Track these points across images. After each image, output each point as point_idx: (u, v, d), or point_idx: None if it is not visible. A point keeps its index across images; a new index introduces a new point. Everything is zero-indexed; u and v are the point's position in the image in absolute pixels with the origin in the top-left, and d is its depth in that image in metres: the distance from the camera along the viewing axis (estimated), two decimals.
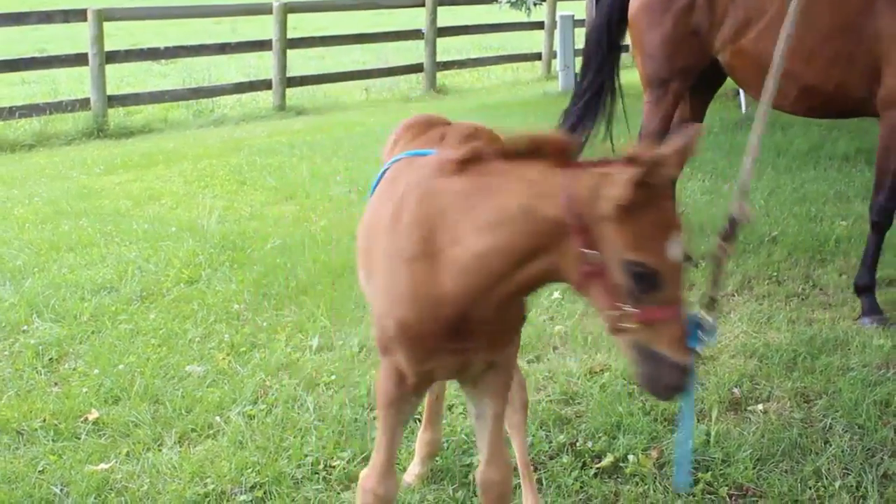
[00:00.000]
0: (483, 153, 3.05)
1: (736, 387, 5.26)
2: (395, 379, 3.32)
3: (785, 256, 7.25)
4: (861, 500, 4.28)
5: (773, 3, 6.29)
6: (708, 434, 4.70)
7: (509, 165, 2.97)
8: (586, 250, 2.79)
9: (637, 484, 4.39)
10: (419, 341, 3.16)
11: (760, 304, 6.44)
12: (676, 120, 7.08)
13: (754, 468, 4.48)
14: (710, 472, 4.43)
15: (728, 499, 4.31)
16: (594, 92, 7.26)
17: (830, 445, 4.68)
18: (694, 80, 6.93)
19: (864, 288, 6.25)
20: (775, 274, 6.93)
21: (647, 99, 6.97)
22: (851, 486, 4.38)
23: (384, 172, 3.75)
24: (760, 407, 5.07)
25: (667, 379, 2.86)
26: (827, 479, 4.43)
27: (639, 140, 6.92)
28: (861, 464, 4.53)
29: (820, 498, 4.31)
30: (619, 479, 4.44)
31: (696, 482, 4.37)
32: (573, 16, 17.59)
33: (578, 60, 16.23)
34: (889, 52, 6.03)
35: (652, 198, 2.75)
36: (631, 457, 4.54)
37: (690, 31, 6.70)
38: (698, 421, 4.88)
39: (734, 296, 6.61)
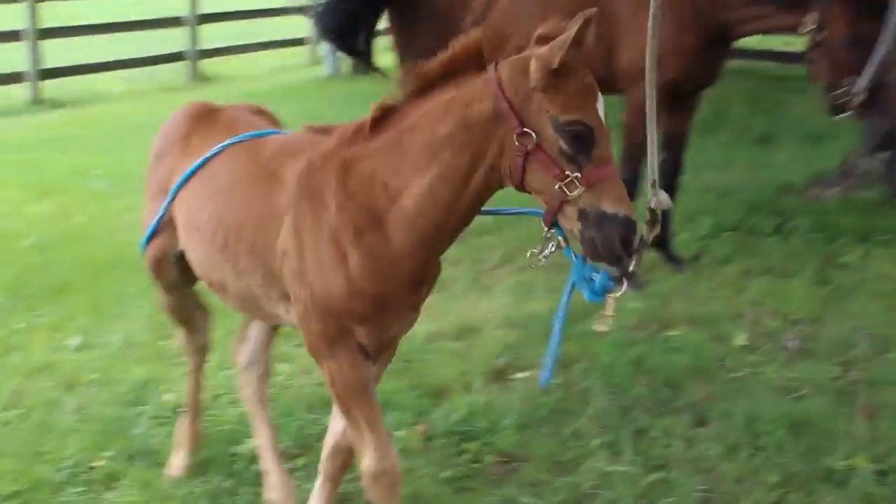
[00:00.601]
0: (393, 105, 3.17)
1: (499, 357, 5.42)
2: (359, 362, 3.31)
3: (544, 228, 7.44)
4: (617, 456, 4.48)
5: None
6: (472, 405, 4.82)
7: (426, 100, 3.11)
8: (525, 128, 2.94)
9: (405, 459, 4.43)
10: (386, 308, 3.25)
11: (522, 276, 6.63)
12: None
13: (518, 434, 4.62)
14: (475, 442, 4.55)
15: (493, 466, 4.43)
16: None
17: (589, 406, 4.89)
18: None
19: None
20: (535, 246, 7.12)
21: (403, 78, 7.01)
22: (609, 443, 4.58)
23: (201, 163, 3.66)
24: (523, 375, 5.23)
25: (620, 235, 2.92)
26: (586, 438, 4.62)
27: None
28: (617, 421, 4.75)
29: (580, 457, 4.49)
30: None
31: (463, 453, 4.48)
32: None
33: None
34: (625, 33, 6.31)
35: (572, 65, 2.93)
36: (399, 433, 4.60)
37: (443, 11, 6.78)
38: (464, 393, 5.00)
39: (497, 269, 6.79)
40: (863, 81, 5.78)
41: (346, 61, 16.50)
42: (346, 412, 3.38)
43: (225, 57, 17.71)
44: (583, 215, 2.95)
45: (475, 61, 3.06)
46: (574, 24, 2.89)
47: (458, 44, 3.07)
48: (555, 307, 5.99)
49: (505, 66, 3.01)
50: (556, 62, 2.88)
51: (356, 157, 3.21)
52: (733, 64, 6.78)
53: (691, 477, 4.31)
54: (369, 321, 3.27)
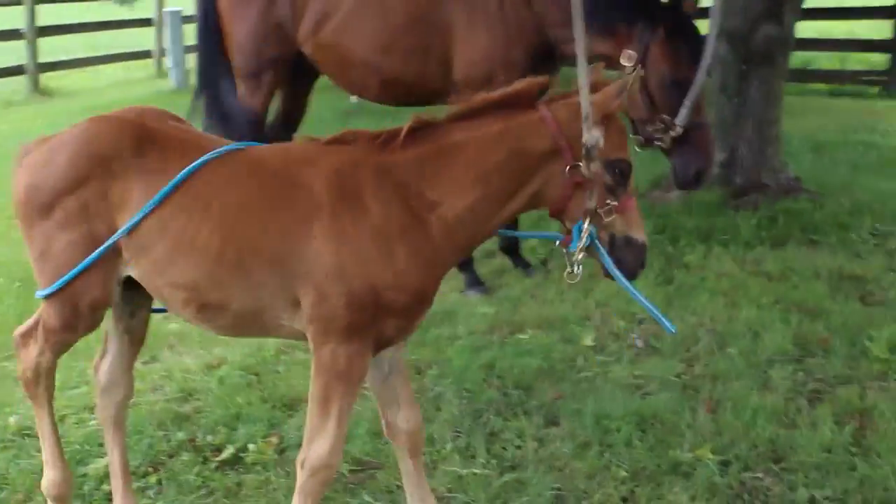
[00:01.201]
0: (431, 122, 3.45)
1: None
2: (368, 355, 3.43)
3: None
4: (471, 459, 4.53)
5: None
6: None
7: (471, 124, 3.43)
8: (580, 163, 3.34)
9: (259, 472, 4.42)
10: (424, 300, 3.48)
11: None
12: (278, 111, 7.16)
13: (372, 442, 4.63)
14: None
15: (348, 475, 4.42)
16: (207, 91, 7.07)
17: (442, 411, 4.93)
18: (288, 72, 6.95)
19: (464, 263, 6.61)
20: None
21: (241, 91, 6.89)
22: (462, 447, 4.63)
23: (175, 185, 3.39)
24: None
25: (639, 257, 3.44)
26: (440, 443, 4.65)
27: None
28: (470, 425, 4.80)
29: (434, 462, 4.51)
30: (241, 470, 4.44)
31: None
32: (181, 11, 17.29)
33: (189, 57, 16.03)
34: (458, 43, 6.39)
35: (615, 110, 3.40)
36: (251, 446, 4.56)
37: (276, 23, 6.71)
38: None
39: None
40: (679, 122, 6.03)
41: (191, 74, 16.25)
42: (324, 399, 3.40)
43: (67, 70, 17.24)
44: (611, 239, 3.42)
45: (529, 100, 3.44)
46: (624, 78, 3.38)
47: (521, 83, 3.44)
48: None
49: (561, 109, 3.40)
50: (613, 108, 3.34)
51: (390, 163, 3.42)
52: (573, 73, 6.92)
53: (544, 476, 4.39)
54: (406, 314, 3.43)
